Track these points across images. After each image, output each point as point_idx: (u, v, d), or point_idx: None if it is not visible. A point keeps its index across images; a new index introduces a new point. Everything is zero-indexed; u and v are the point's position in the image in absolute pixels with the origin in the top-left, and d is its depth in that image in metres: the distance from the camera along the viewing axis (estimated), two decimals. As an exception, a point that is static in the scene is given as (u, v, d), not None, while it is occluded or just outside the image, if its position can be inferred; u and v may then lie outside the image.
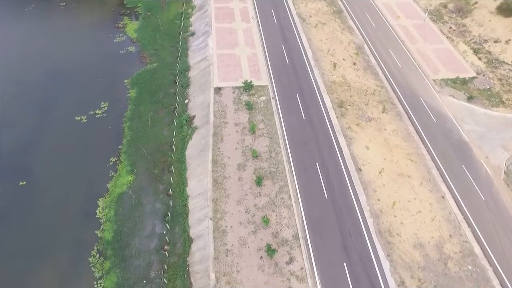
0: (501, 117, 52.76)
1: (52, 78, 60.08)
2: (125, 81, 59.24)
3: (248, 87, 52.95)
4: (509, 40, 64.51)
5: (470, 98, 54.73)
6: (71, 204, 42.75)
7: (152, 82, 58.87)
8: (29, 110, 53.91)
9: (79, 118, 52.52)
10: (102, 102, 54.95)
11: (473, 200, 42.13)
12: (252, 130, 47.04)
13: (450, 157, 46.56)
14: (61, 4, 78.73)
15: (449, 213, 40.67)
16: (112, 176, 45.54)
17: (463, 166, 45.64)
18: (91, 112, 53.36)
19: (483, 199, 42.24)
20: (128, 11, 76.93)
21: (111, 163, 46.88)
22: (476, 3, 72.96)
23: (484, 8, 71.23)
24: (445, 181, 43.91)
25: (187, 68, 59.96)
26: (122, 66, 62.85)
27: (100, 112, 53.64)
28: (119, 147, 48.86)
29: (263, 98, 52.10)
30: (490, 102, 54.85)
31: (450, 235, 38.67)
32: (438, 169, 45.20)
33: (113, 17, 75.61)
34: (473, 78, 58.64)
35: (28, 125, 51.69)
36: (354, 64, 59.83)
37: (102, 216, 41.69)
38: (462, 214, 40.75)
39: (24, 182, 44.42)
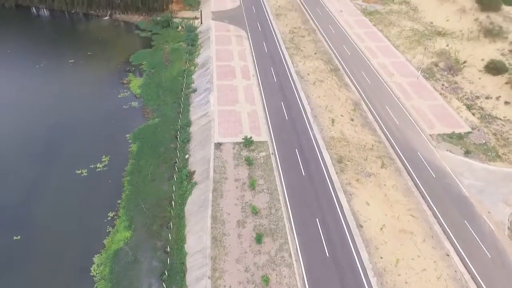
0: (500, 172, 53.09)
1: (56, 131, 61.38)
2: (127, 135, 60.31)
3: (248, 143, 53.82)
4: (500, 96, 66.75)
5: (467, 153, 55.44)
6: (66, 260, 41.63)
7: (153, 137, 59.91)
8: (31, 162, 54.41)
9: (79, 171, 52.80)
10: (104, 156, 55.53)
11: (479, 257, 41.13)
12: (252, 186, 47.09)
13: (451, 213, 46.17)
14: (70, 61, 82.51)
15: (455, 271, 39.50)
16: (110, 231, 44.84)
17: (465, 221, 45.11)
18: (92, 166, 53.75)
19: (489, 256, 41.26)
20: (133, 68, 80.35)
21: (109, 218, 46.36)
22: (465, 62, 76.42)
23: (473, 67, 74.50)
24: (448, 237, 43.16)
25: (188, 124, 61.33)
26: (124, 120, 64.35)
27: (100, 166, 54.04)
28: (118, 201, 48.60)
29: (263, 154, 52.74)
30: (487, 156, 55.48)
31: (457, 296, 37.27)
32: (441, 225, 44.63)
33: (118, 73, 78.83)
34: (469, 133, 59.83)
35: (27, 177, 51.88)
36: (352, 120, 61.29)
37: (96, 274, 40.41)
38: (469, 273, 39.55)
39: (19, 237, 43.61)
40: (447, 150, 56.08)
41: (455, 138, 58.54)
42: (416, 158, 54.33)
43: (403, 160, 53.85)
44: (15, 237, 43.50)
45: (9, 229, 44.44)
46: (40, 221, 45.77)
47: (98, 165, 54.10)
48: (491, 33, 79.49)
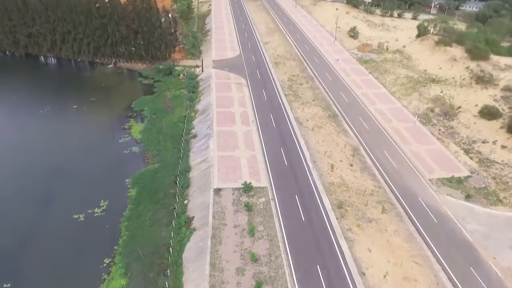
0: (502, 216, 52.51)
1: (55, 174, 61.66)
2: (126, 180, 60.30)
3: (247, 188, 53.69)
4: (496, 141, 67.59)
5: (468, 197, 55.14)
6: (58, 311, 40.10)
7: (153, 182, 59.86)
8: (28, 206, 54.06)
9: (77, 216, 52.22)
10: (102, 201, 55.19)
11: (487, 307, 39.62)
12: (252, 232, 46.35)
13: (456, 259, 45.06)
14: (73, 107, 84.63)
15: (463, 322, 37.85)
16: (105, 278, 43.46)
17: (471, 268, 43.91)
18: (90, 211, 53.25)
19: (498, 306, 39.76)
20: (135, 114, 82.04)
21: (104, 265, 45.13)
22: (459, 107, 78.21)
23: (468, 112, 76.13)
24: (454, 285, 41.81)
25: (188, 169, 61.52)
26: (124, 165, 64.70)
27: (98, 210, 53.55)
28: (115, 247, 47.56)
29: (263, 199, 52.42)
30: (488, 200, 55.15)
31: None
32: (446, 272, 43.39)
33: (120, 119, 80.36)
34: (468, 177, 59.88)
35: (23, 221, 51.27)
36: (351, 165, 61.57)
37: (90, 326, 38.71)
38: (478, 324, 37.91)
39: (9, 285, 42.19)
40: (447, 195, 55.82)
41: (455, 182, 58.50)
42: (417, 203, 53.95)
43: (404, 205, 53.44)
44: (5, 285, 42.06)
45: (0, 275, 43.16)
46: (33, 267, 44.53)
47: (96, 210, 53.61)
48: (482, 80, 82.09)
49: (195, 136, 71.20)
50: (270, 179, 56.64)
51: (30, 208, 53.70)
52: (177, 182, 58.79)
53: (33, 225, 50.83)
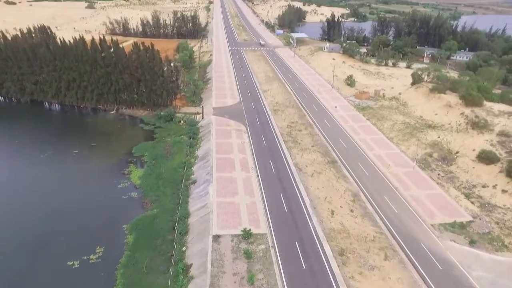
0: (509, 262, 51.21)
1: (52, 219, 61.20)
2: (124, 226, 59.61)
3: (247, 235, 52.81)
4: (496, 185, 67.47)
5: (472, 243, 54.10)
6: None
7: (151, 228, 59.03)
8: (21, 252, 53.17)
9: (71, 263, 51.06)
10: (98, 247, 54.24)
11: None
12: (251, 280, 44.95)
13: (464, 310, 43.34)
14: (74, 151, 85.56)
15: None
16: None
17: (480, 319, 42.13)
18: (85, 257, 52.16)
19: None
20: (135, 159, 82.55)
21: (98, 316, 43.40)
22: (457, 152, 78.88)
23: (466, 157, 76.65)
24: (463, 338, 39.87)
25: (186, 215, 60.82)
26: (122, 211, 64.33)
27: (94, 257, 52.42)
28: (110, 297, 46.01)
29: (262, 246, 51.36)
30: (493, 246, 54.06)
31: None
32: (454, 323, 41.56)
33: (120, 164, 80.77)
34: (470, 222, 59.11)
35: (16, 268, 50.14)
36: (352, 211, 61.00)
37: None
38: None
39: None
40: (451, 240, 54.78)
41: (458, 228, 57.64)
42: (420, 249, 52.82)
43: (407, 252, 52.27)
44: None
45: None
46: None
47: (92, 256, 52.46)
48: (478, 125, 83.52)
49: (194, 182, 71.12)
50: (270, 225, 55.87)
51: (23, 254, 52.71)
52: (175, 228, 57.92)
53: (25, 272, 49.59)
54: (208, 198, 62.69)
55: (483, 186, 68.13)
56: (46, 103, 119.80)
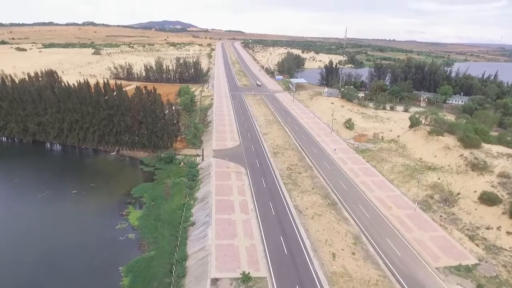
0: (519, 310, 49.12)
1: (46, 260, 59.66)
2: (120, 268, 57.98)
3: (246, 278, 51.14)
4: (500, 227, 66.32)
5: (479, 287, 52.30)
6: None
7: (147, 270, 57.35)
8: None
9: (63, 308, 48.95)
10: (92, 291, 52.28)
11: None
12: (250, 326, 42.97)
13: None
14: (73, 192, 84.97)
15: None
16: None
17: None
18: (77, 304, 50.09)
19: None
20: (134, 201, 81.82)
21: None
22: (459, 194, 78.34)
23: (468, 198, 76.00)
24: None
25: (184, 258, 59.25)
26: (119, 252, 62.89)
27: (86, 304, 50.37)
28: None
29: (262, 289, 49.60)
30: (502, 292, 52.13)
31: None
32: None
33: (118, 205, 80.00)
34: (476, 265, 57.50)
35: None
36: (353, 254, 59.54)
37: None
38: None
39: None
40: (457, 284, 52.95)
41: (464, 271, 55.91)
42: (426, 294, 50.91)
43: (412, 297, 50.34)
44: None
45: None
46: None
47: (85, 302, 50.44)
48: (478, 167, 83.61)
49: (193, 223, 69.99)
50: (269, 269, 54.27)
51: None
52: (172, 271, 56.19)
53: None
54: (207, 241, 61.41)
55: (487, 228, 66.96)
56: (48, 143, 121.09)
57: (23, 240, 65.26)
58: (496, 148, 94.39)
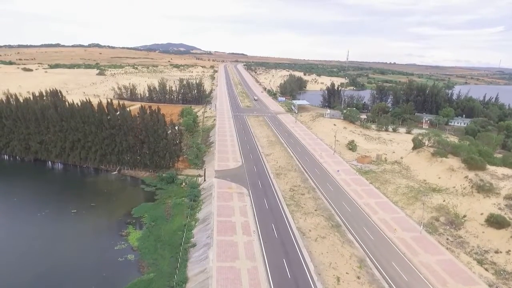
0: None
1: (42, 282, 58.06)
2: (117, 291, 56.28)
3: (248, 301, 49.54)
4: (509, 251, 64.54)
5: (490, 316, 50.31)
6: None
7: (146, 294, 55.67)
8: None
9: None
10: (90, 313, 50.61)
11: None
12: None
13: None
14: (72, 211, 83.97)
15: None
16: None
17: None
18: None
19: None
20: (134, 221, 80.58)
21: None
22: (465, 216, 76.84)
23: (474, 221, 74.45)
24: None
25: (184, 280, 57.63)
26: (118, 274, 61.36)
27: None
28: None
29: (264, 314, 47.88)
30: (514, 320, 50.08)
31: None
32: None
33: (118, 225, 78.75)
34: (487, 291, 55.57)
35: None
36: (358, 277, 57.81)
37: None
38: None
39: None
40: (467, 312, 51.04)
41: (473, 298, 54.04)
42: (435, 321, 48.97)
43: (421, 324, 48.41)
44: None
45: None
46: None
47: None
48: (483, 189, 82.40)
49: (194, 245, 68.54)
50: (272, 292, 52.61)
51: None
52: (172, 294, 54.57)
53: None
54: (208, 263, 59.91)
55: (496, 252, 65.17)
56: (49, 162, 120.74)
57: (21, 259, 63.91)
58: (501, 170, 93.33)
